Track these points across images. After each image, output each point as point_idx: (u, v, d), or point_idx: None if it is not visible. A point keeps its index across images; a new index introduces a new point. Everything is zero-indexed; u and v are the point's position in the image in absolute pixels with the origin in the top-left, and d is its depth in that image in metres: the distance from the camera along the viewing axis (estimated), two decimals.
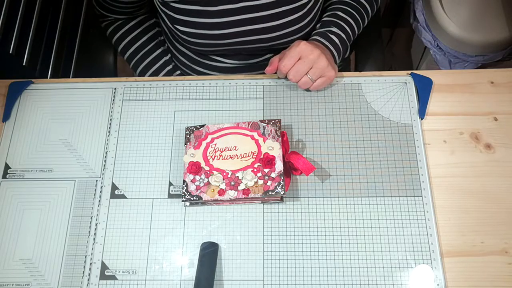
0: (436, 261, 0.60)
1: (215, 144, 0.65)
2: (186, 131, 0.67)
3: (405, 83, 0.72)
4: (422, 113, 0.70)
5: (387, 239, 0.62)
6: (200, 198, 0.62)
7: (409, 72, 0.73)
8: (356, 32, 0.77)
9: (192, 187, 0.62)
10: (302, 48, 0.66)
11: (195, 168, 0.63)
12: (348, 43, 0.75)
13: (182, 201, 0.62)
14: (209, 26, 0.71)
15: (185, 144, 0.66)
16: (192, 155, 0.65)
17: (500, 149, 0.67)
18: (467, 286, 0.60)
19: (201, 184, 0.62)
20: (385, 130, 0.69)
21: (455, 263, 0.61)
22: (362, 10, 0.77)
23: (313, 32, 0.74)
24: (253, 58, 0.82)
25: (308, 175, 0.65)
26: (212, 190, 0.62)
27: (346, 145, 0.68)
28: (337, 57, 0.73)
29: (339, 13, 0.75)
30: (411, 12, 1.20)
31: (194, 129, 0.67)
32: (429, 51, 1.15)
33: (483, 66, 1.11)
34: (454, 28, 1.06)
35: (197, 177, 0.63)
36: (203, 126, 0.67)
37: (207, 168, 0.63)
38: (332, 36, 0.72)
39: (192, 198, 0.62)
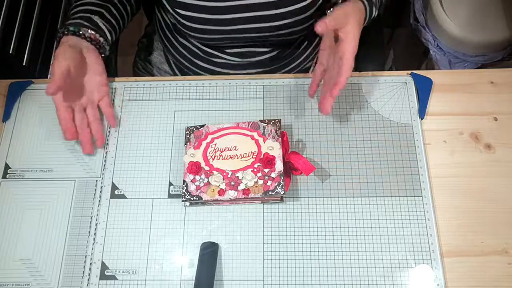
0: (436, 261, 0.60)
1: (215, 144, 0.65)
2: (186, 131, 0.67)
3: (405, 83, 0.72)
4: (422, 113, 0.70)
5: (387, 239, 0.62)
6: (200, 198, 0.62)
7: (409, 72, 0.73)
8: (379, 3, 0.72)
9: (192, 187, 0.62)
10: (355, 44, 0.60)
11: (195, 168, 0.63)
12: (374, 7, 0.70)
13: (182, 201, 0.62)
14: (211, 10, 0.69)
15: (185, 144, 0.66)
16: (192, 155, 0.65)
17: (500, 149, 0.67)
18: (467, 286, 0.60)
19: (201, 184, 0.62)
20: (385, 130, 0.69)
21: (455, 263, 0.61)
22: None
23: None
24: (254, 56, 0.81)
25: (308, 175, 0.65)
26: (212, 190, 0.62)
27: (346, 145, 0.68)
28: (368, 14, 0.68)
29: None
30: (411, 12, 1.20)
31: (194, 129, 0.67)
32: (429, 51, 1.15)
33: (483, 66, 1.11)
34: (454, 28, 1.06)
35: (197, 177, 0.63)
36: (203, 126, 0.67)
37: (207, 168, 0.63)
38: None
39: (192, 198, 0.62)
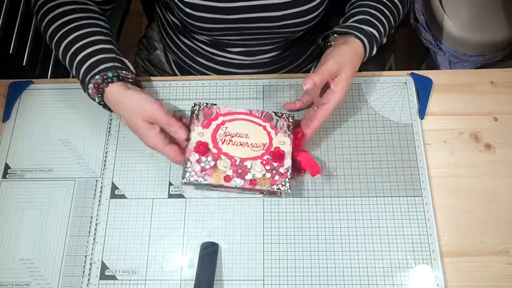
0: (436, 261, 0.60)
1: (226, 127, 0.63)
2: (194, 106, 0.64)
3: (405, 83, 0.72)
4: (422, 113, 0.70)
5: (387, 239, 0.62)
6: (205, 180, 0.59)
7: (409, 72, 0.73)
8: (386, 31, 0.71)
9: (197, 167, 0.60)
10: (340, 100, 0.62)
11: (202, 148, 0.61)
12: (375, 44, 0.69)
13: (183, 182, 0.60)
14: None
15: (190, 118, 0.63)
16: (200, 134, 0.62)
17: (500, 149, 0.67)
18: (467, 286, 0.60)
19: (207, 166, 0.60)
20: (385, 130, 0.69)
21: (455, 263, 0.61)
22: (394, 10, 0.71)
23: (351, 24, 0.67)
24: (256, 54, 0.80)
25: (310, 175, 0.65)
26: (218, 175, 0.60)
27: (346, 145, 0.68)
28: (368, 53, 0.68)
29: (373, 12, 0.68)
30: (411, 12, 1.20)
31: (203, 106, 0.64)
32: (429, 51, 1.15)
33: (483, 66, 1.11)
34: (454, 28, 1.06)
35: (203, 158, 0.60)
36: (214, 105, 0.64)
37: (215, 150, 0.61)
38: (372, 34, 0.66)
39: (197, 180, 0.59)
